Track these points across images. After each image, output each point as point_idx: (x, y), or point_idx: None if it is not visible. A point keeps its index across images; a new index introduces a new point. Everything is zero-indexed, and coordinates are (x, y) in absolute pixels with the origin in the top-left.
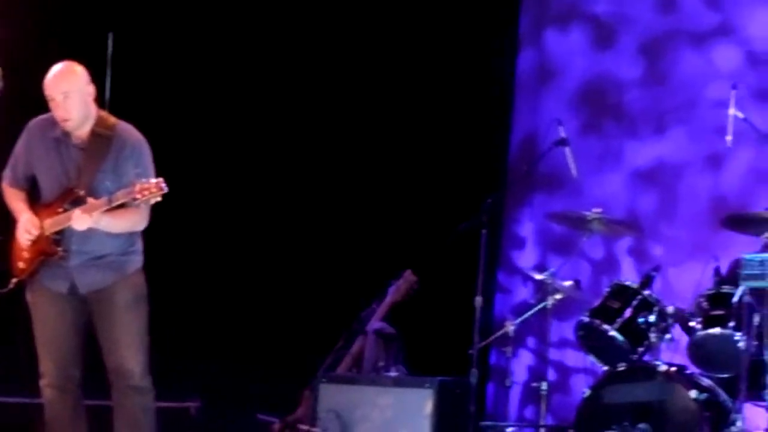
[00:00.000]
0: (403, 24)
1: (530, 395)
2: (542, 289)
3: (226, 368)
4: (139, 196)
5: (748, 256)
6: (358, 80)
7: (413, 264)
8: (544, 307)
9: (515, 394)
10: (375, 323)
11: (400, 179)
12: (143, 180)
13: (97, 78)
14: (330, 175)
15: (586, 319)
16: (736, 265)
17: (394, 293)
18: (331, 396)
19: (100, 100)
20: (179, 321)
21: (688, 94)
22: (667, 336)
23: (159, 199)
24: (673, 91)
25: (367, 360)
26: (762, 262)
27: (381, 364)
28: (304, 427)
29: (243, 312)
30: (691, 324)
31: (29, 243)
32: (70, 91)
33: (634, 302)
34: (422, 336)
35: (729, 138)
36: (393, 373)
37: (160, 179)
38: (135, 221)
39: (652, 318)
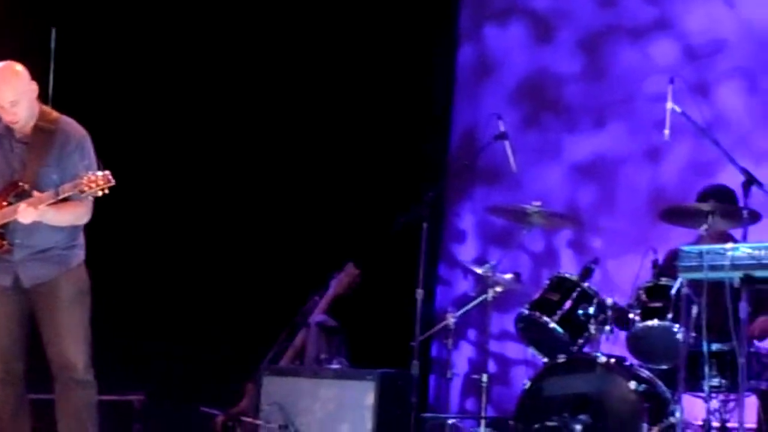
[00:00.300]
0: (344, 19)
1: (471, 387)
2: (483, 282)
3: (170, 362)
4: (86, 188)
5: (685, 248)
6: (302, 74)
7: (355, 257)
8: (485, 300)
9: (456, 386)
10: (317, 316)
11: (341, 173)
12: (91, 172)
13: (40, 73)
14: (273, 168)
15: (526, 312)
16: (674, 257)
17: (336, 286)
18: (274, 388)
19: (43, 95)
20: (122, 314)
21: (627, 88)
22: (607, 328)
23: (106, 191)
24: (612, 86)
25: (309, 352)
26: (699, 254)
27: (323, 356)
28: (248, 419)
29: (186, 305)
30: (630, 316)
31: None
32: (17, 99)
33: (574, 294)
34: (364, 328)
35: (667, 132)
36: (335, 366)
37: (107, 172)
38: (79, 214)
39: (591, 310)
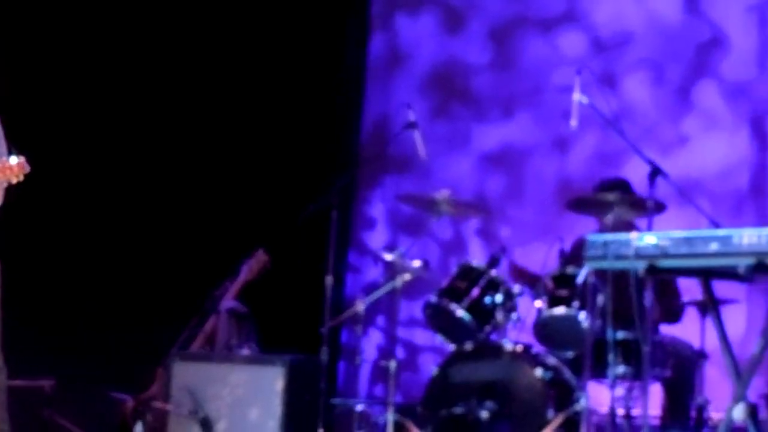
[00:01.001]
0: (255, 8)
1: (380, 373)
2: (392, 269)
3: (80, 346)
4: (0, 175)
5: (591, 238)
6: (214, 62)
7: (265, 243)
8: (394, 287)
9: (365, 372)
10: (227, 302)
11: (252, 160)
12: (4, 158)
13: None
14: (185, 154)
15: (434, 299)
16: (580, 246)
17: (246, 272)
18: (184, 374)
19: None
20: (31, 299)
21: (535, 79)
22: (514, 315)
23: (21, 179)
24: (521, 76)
25: (219, 338)
26: (605, 244)
27: (233, 342)
28: (158, 404)
29: (96, 290)
30: (537, 304)
31: None
32: None
33: (481, 282)
34: (274, 315)
35: (574, 122)
36: (245, 352)
37: (22, 158)
38: None
39: (498, 298)
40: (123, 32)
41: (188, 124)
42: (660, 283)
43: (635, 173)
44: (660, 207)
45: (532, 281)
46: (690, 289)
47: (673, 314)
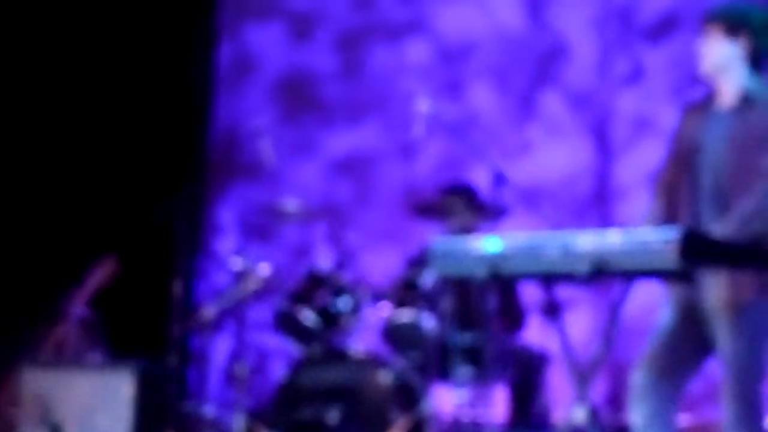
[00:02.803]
0: (101, 15)
1: (229, 378)
2: (240, 275)
3: None
4: None
5: (435, 243)
6: (63, 66)
7: (114, 249)
8: (243, 292)
9: (215, 377)
10: (76, 308)
11: (101, 166)
12: None
13: None
14: (30, 159)
15: (282, 304)
16: (426, 251)
17: (95, 278)
18: (33, 381)
19: None
20: None
21: (382, 86)
22: (361, 320)
23: None
24: (368, 84)
25: (68, 345)
26: (448, 248)
27: (82, 348)
28: (7, 411)
29: None
30: (384, 308)
31: None
32: None
33: (329, 287)
34: (123, 320)
35: (419, 129)
36: (94, 358)
37: None
38: None
39: (346, 303)
40: None
41: (36, 128)
42: (503, 290)
43: (480, 179)
44: (503, 212)
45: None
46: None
47: (517, 322)
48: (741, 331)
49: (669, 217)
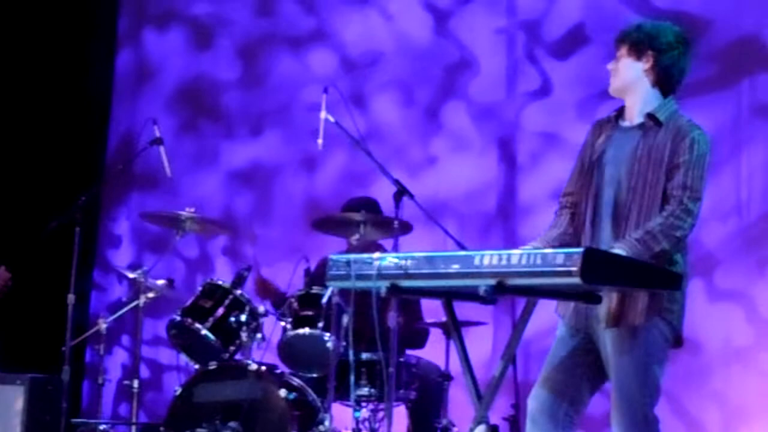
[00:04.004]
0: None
1: (124, 393)
2: (136, 288)
3: None
4: None
5: (334, 257)
6: None
7: (6, 260)
8: (137, 306)
9: (109, 392)
10: None
11: None
12: None
13: None
14: None
15: (178, 318)
16: (325, 265)
17: None
18: None
19: None
20: None
21: (285, 97)
22: (258, 335)
23: None
24: (270, 94)
25: None
26: (348, 263)
27: None
28: None
29: None
30: (282, 324)
31: None
32: None
33: (226, 301)
34: (16, 333)
35: (320, 141)
36: None
37: None
38: None
39: (243, 317)
40: None
41: None
42: (404, 307)
43: (383, 193)
44: (407, 227)
45: (277, 298)
46: (436, 311)
47: (418, 340)
48: (630, 352)
49: (574, 232)
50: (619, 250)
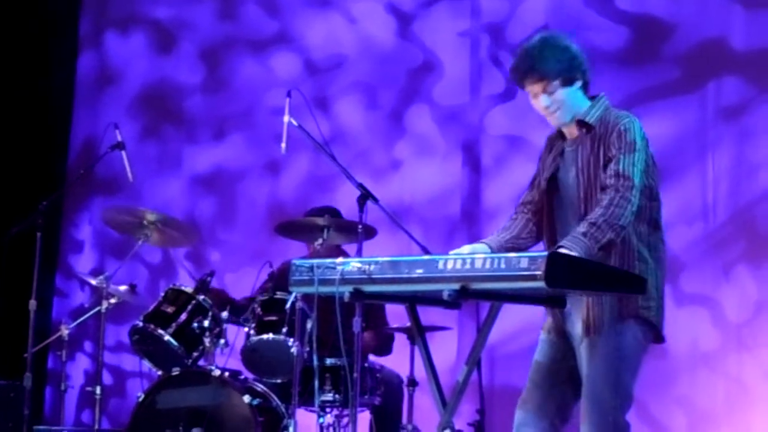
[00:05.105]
0: None
1: (87, 399)
2: (98, 293)
3: None
4: None
5: (297, 262)
6: None
7: None
8: (100, 311)
9: (72, 398)
10: None
11: None
12: None
13: None
14: None
15: (141, 324)
16: (288, 270)
17: None
18: None
19: None
20: None
21: (248, 100)
22: (222, 341)
23: None
24: (233, 98)
25: None
26: (311, 268)
27: None
28: None
29: None
30: (245, 329)
31: None
32: None
33: (189, 307)
34: None
35: (283, 145)
36: None
37: None
38: None
39: (206, 323)
40: None
41: None
42: (369, 313)
43: (347, 197)
44: (371, 232)
45: (233, 305)
46: (400, 316)
47: (384, 347)
48: (598, 356)
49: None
50: (567, 248)
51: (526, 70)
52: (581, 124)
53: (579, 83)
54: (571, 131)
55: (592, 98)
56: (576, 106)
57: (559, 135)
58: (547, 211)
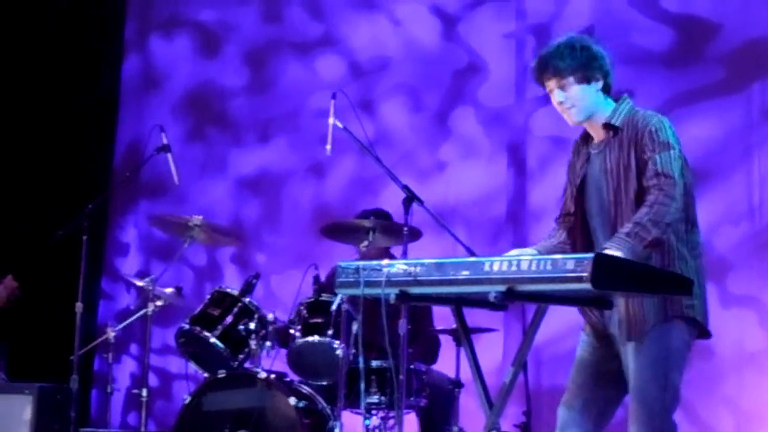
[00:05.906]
0: (8, 29)
1: (133, 401)
2: (144, 296)
3: None
4: None
5: (343, 264)
6: None
7: (14, 269)
8: (146, 314)
9: (118, 401)
10: None
11: (1, 182)
12: None
13: None
14: None
15: (187, 326)
16: (334, 273)
17: None
18: None
19: None
20: None
21: (292, 103)
22: (268, 343)
23: None
24: (277, 100)
25: None
26: (357, 270)
27: None
28: None
29: None
30: (291, 332)
31: None
32: None
33: (235, 309)
34: (24, 342)
35: (328, 147)
36: None
37: None
38: None
39: (252, 325)
40: None
41: None
42: (414, 316)
43: (392, 199)
44: (415, 234)
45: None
46: (446, 318)
47: (429, 354)
48: (645, 357)
49: (571, 243)
50: (612, 249)
51: (543, 66)
52: (607, 126)
53: (598, 84)
54: (598, 134)
55: (615, 100)
56: (594, 106)
57: (583, 141)
58: (579, 215)
